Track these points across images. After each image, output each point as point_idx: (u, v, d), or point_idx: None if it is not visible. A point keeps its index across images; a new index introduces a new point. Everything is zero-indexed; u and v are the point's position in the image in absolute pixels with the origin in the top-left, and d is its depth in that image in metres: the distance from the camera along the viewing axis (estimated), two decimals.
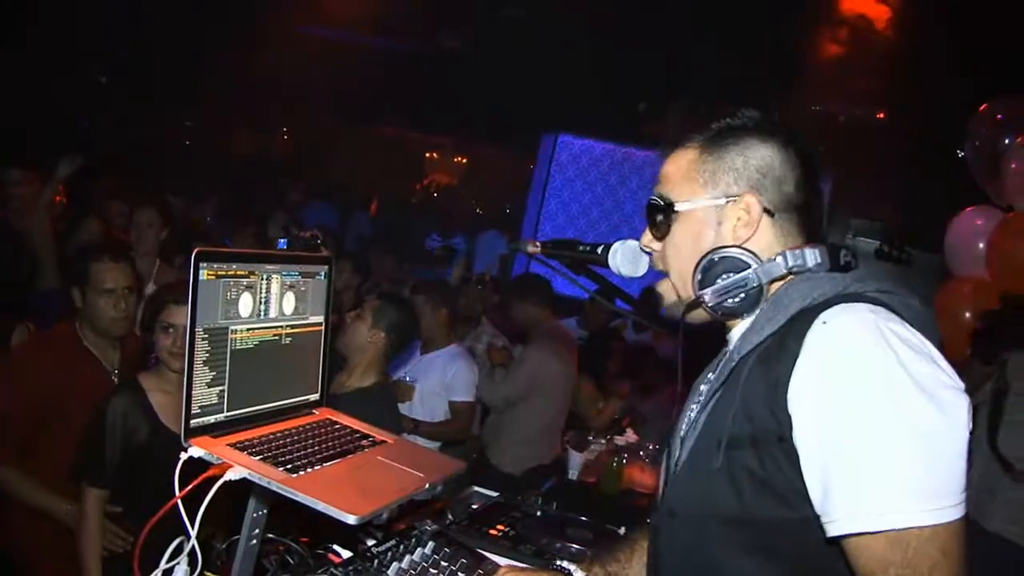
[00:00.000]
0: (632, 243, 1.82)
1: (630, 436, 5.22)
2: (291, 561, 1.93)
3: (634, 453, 4.79)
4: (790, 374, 1.38)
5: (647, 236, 1.74)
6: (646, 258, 1.80)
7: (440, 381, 5.01)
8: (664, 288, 1.72)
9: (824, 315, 1.41)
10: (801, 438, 1.36)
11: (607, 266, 1.84)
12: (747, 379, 1.46)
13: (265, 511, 1.87)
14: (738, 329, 1.63)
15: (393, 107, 13.13)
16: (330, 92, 11.48)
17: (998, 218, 4.96)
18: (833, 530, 1.33)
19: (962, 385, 1.36)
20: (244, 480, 1.64)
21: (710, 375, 1.72)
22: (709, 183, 1.63)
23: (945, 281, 5.46)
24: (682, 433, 1.63)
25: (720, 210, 1.61)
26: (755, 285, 1.54)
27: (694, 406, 1.67)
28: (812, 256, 1.54)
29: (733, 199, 1.60)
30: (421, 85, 11.13)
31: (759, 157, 1.61)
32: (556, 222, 9.92)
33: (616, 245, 1.83)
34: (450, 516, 2.35)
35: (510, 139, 12.19)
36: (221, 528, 2.15)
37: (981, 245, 4.98)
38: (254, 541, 1.88)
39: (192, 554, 1.63)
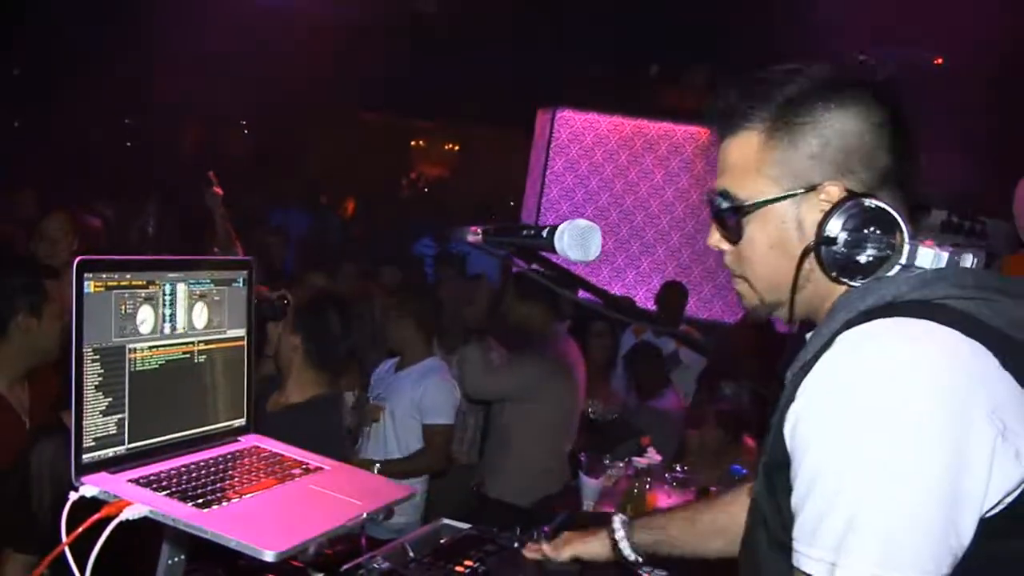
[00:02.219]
0: (582, 223, 1.85)
1: (653, 456, 5.22)
2: None
3: (658, 476, 4.81)
4: (793, 400, 1.45)
5: (715, 235, 1.73)
6: (597, 240, 1.84)
7: (411, 401, 5.04)
8: (743, 290, 1.72)
9: (843, 336, 1.44)
10: (792, 458, 1.44)
11: (554, 251, 1.87)
12: (786, 396, 1.50)
13: (182, 558, 1.90)
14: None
15: (368, 88, 13.19)
16: (294, 74, 11.55)
17: None
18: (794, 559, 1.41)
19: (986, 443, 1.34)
20: (146, 520, 1.68)
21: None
22: (782, 176, 1.59)
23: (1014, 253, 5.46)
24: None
25: (800, 204, 1.58)
26: (887, 254, 1.51)
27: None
28: (969, 261, 1.51)
29: (813, 189, 1.56)
30: (397, 60, 11.19)
31: (841, 134, 1.56)
32: (559, 211, 9.94)
33: (563, 227, 1.85)
34: (411, 553, 2.38)
35: (506, 118, 12.21)
36: None
37: None
38: None
39: None
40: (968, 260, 1.50)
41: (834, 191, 1.54)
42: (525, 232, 1.92)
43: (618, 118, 9.97)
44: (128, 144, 14.43)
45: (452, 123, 16.67)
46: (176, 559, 1.90)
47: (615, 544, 2.29)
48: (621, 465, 5.00)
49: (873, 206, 1.50)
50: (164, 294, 1.91)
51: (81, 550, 1.63)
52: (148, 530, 1.86)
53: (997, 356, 1.38)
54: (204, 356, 2.02)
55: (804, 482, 1.40)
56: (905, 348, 1.38)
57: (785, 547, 1.46)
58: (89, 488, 1.70)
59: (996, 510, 1.35)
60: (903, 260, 1.50)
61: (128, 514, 1.65)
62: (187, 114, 14.90)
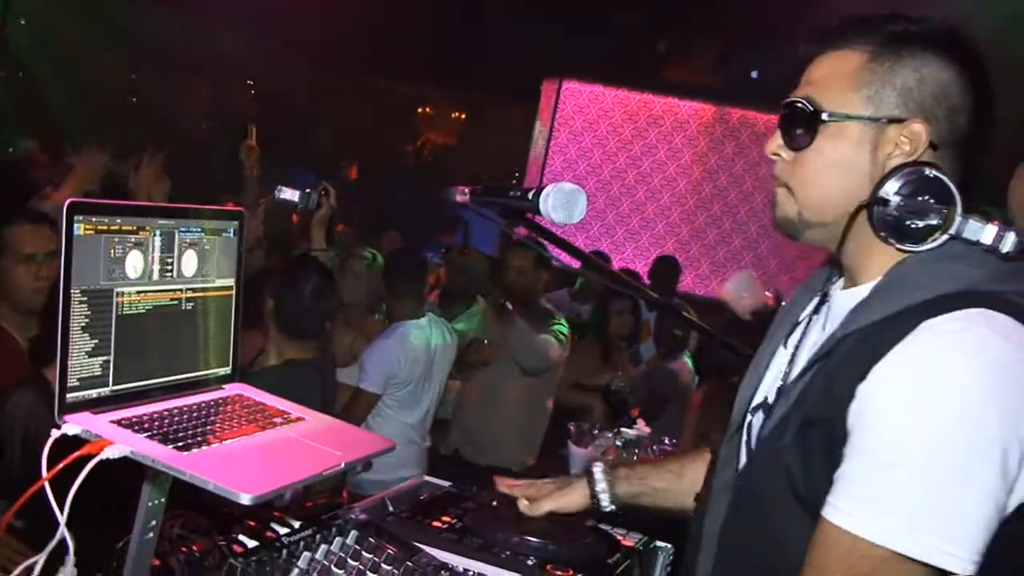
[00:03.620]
0: (567, 186, 1.88)
1: (641, 427, 5.26)
2: (193, 555, 2.00)
3: (646, 448, 4.84)
4: (870, 369, 1.49)
5: (776, 142, 1.75)
6: (582, 203, 1.88)
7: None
8: (782, 198, 1.74)
9: (934, 321, 1.49)
10: (851, 430, 1.51)
11: (539, 212, 1.90)
12: (840, 359, 1.56)
13: (162, 501, 1.93)
14: (847, 297, 1.69)
15: (376, 55, 13.15)
16: (304, 38, 11.52)
17: None
18: (833, 516, 1.49)
19: None
20: (127, 461, 1.71)
21: (792, 341, 1.84)
22: (874, 98, 1.63)
23: None
24: (769, 400, 1.77)
25: (880, 131, 1.62)
26: (940, 223, 1.55)
27: (781, 374, 1.77)
28: (1011, 241, 1.54)
29: (898, 121, 1.61)
30: (405, 28, 11.16)
31: (937, 80, 1.61)
32: (567, 156, 9.96)
33: (548, 189, 1.89)
34: (390, 507, 2.41)
35: (514, 89, 12.19)
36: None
37: None
38: (150, 535, 1.95)
39: (65, 548, 1.68)
40: (1010, 241, 1.54)
41: (918, 129, 1.59)
42: (512, 193, 1.95)
43: (624, 92, 9.97)
44: (134, 99, 14.40)
45: (459, 93, 16.62)
46: (156, 502, 1.92)
47: (594, 495, 2.28)
48: (609, 435, 5.02)
49: (932, 175, 1.55)
50: (154, 240, 1.93)
51: (61, 491, 1.65)
52: (129, 474, 1.90)
53: None
54: (192, 304, 2.04)
55: (872, 457, 1.47)
56: (989, 343, 1.45)
57: (814, 505, 1.54)
58: (71, 427, 1.73)
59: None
60: (952, 231, 1.54)
61: (109, 453, 1.68)
62: (193, 74, 14.88)
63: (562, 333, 5.44)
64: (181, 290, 2.01)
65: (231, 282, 2.15)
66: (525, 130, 11.00)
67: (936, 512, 1.41)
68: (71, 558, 1.71)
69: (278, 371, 4.00)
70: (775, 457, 1.63)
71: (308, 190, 4.25)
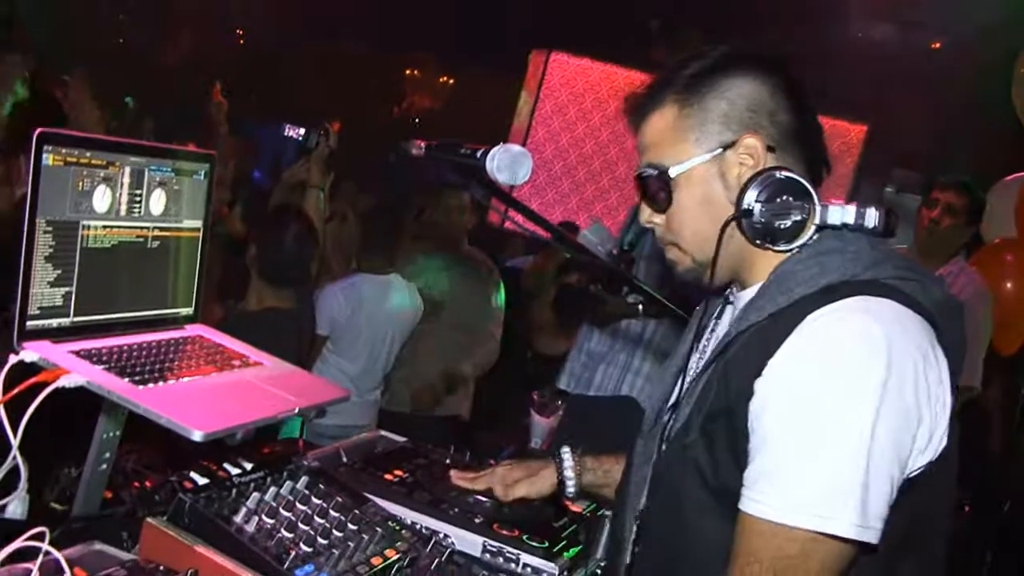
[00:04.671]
0: (515, 148, 1.94)
1: None
2: (145, 490, 2.02)
3: None
4: (765, 364, 1.57)
5: (646, 212, 1.85)
6: (527, 166, 1.97)
7: None
8: (675, 256, 1.84)
9: (818, 312, 1.57)
10: (754, 425, 1.59)
11: (485, 170, 1.94)
12: (735, 355, 1.65)
13: (116, 434, 1.96)
14: (742, 299, 1.80)
15: (361, 18, 13.07)
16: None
17: None
18: (750, 507, 1.56)
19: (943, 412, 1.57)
20: (82, 391, 1.73)
21: (700, 342, 1.93)
22: (700, 138, 1.73)
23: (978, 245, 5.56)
24: (673, 400, 1.85)
25: (720, 160, 1.72)
26: (805, 217, 1.65)
27: (690, 373, 1.84)
28: (873, 217, 1.64)
29: (731, 146, 1.71)
30: None
31: (744, 94, 1.72)
32: (543, 154, 9.95)
33: (495, 149, 1.93)
34: (344, 457, 2.44)
35: (502, 58, 12.16)
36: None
37: None
38: (103, 466, 1.97)
39: (17, 474, 1.69)
40: (871, 216, 1.64)
41: (752, 142, 1.70)
42: (462, 151, 2.00)
43: (611, 67, 9.95)
44: (121, 41, 14.25)
45: (446, 60, 16.54)
46: (110, 435, 1.95)
47: (561, 481, 2.32)
48: None
49: (783, 176, 1.66)
50: (123, 176, 1.94)
51: (16, 420, 1.67)
52: (86, 406, 1.93)
53: (937, 334, 1.59)
54: (158, 243, 2.05)
55: (775, 444, 1.55)
56: (873, 328, 1.53)
57: (723, 493, 1.62)
58: (29, 354, 1.74)
59: (920, 469, 1.57)
60: (816, 221, 1.66)
61: (65, 382, 1.70)
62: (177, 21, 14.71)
63: (439, 288, 5.43)
64: (148, 228, 2.03)
65: (199, 224, 2.16)
66: (511, 100, 11.00)
67: (839, 491, 1.49)
68: (23, 484, 1.73)
69: (255, 317, 4.04)
70: (683, 453, 1.72)
71: (309, 129, 4.46)
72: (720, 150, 1.71)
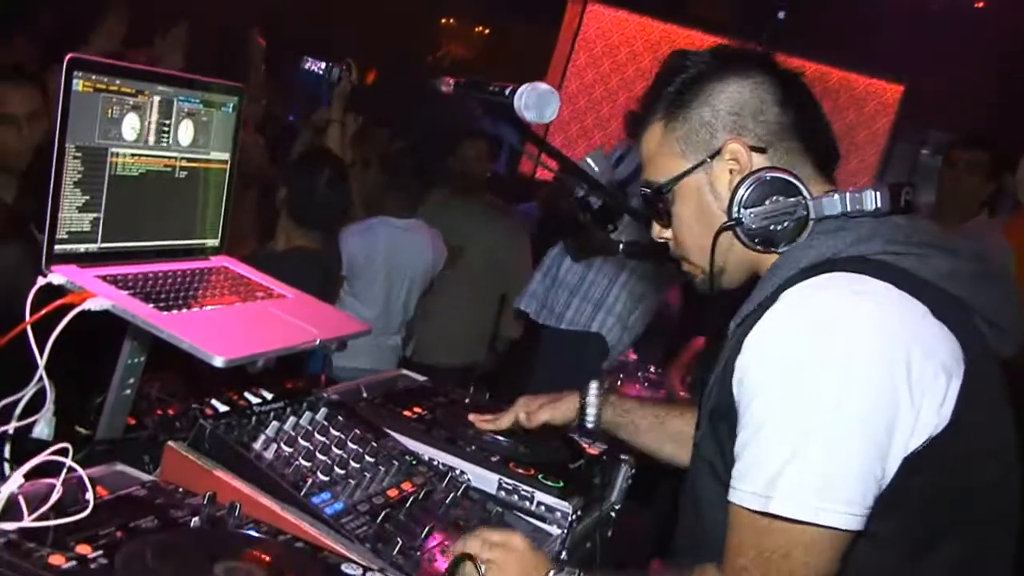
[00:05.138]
0: (542, 86, 1.94)
1: (628, 354, 5.30)
2: (167, 417, 2.06)
3: (632, 373, 4.89)
4: (743, 344, 1.57)
5: (656, 228, 1.88)
6: (554, 105, 1.96)
7: None
8: (689, 269, 1.86)
9: (792, 288, 1.57)
10: (738, 408, 1.59)
11: (513, 109, 1.95)
12: (730, 345, 1.66)
13: (140, 360, 1.99)
14: None
15: None
16: None
17: None
18: (731, 496, 1.56)
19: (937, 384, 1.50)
20: (107, 315, 1.75)
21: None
22: (687, 150, 1.74)
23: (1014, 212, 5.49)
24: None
25: (708, 170, 1.72)
26: (802, 215, 1.64)
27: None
28: (871, 199, 1.62)
29: (716, 154, 1.71)
30: None
31: (725, 99, 1.71)
32: (576, 105, 9.89)
33: (524, 87, 1.94)
34: (364, 393, 2.47)
35: (537, 7, 12.06)
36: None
37: None
38: (127, 391, 2.00)
39: (43, 395, 1.72)
40: (868, 199, 1.63)
41: (735, 147, 1.68)
42: (491, 88, 2.01)
43: (648, 20, 9.85)
44: None
45: (482, 9, 16.42)
46: (135, 360, 1.98)
47: (583, 408, 2.32)
48: None
49: (769, 177, 1.65)
50: (152, 105, 1.96)
51: (43, 343, 1.69)
52: (112, 337, 1.95)
53: (928, 306, 1.54)
54: (185, 173, 2.07)
55: (750, 426, 1.55)
56: (844, 301, 1.52)
57: (727, 486, 1.60)
58: (57, 276, 1.77)
59: (918, 448, 1.50)
60: (813, 215, 1.64)
61: (90, 305, 1.72)
62: None
63: (465, 237, 5.44)
64: (176, 158, 2.04)
65: (226, 156, 2.18)
66: (545, 51, 10.91)
67: (812, 473, 1.47)
68: (49, 405, 1.76)
69: (282, 256, 4.07)
70: (696, 450, 1.77)
71: (331, 63, 4.60)
72: (706, 160, 1.72)
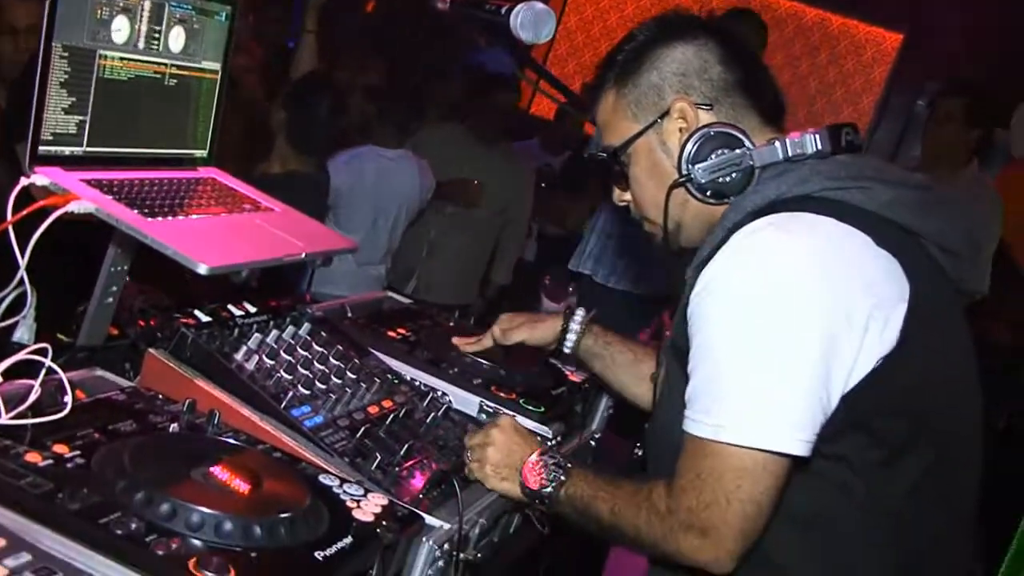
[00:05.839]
0: (539, 5, 1.94)
1: None
2: (150, 327, 2.04)
3: None
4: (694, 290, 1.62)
5: (616, 193, 1.94)
6: (550, 24, 2.02)
7: None
8: (649, 228, 1.89)
9: (738, 233, 1.61)
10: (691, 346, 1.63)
11: (509, 27, 1.94)
12: (687, 290, 1.68)
13: (124, 268, 1.97)
14: None
15: None
16: None
17: None
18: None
19: (872, 315, 1.52)
20: (91, 218, 1.73)
21: None
22: (638, 113, 1.79)
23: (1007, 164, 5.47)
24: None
25: (658, 131, 1.78)
26: (748, 164, 1.69)
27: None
28: (811, 142, 1.68)
29: (665, 113, 1.76)
30: None
31: (670, 61, 1.76)
32: (573, 41, 9.80)
33: (520, 6, 1.92)
34: (349, 312, 2.46)
35: None
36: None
37: None
38: (110, 299, 1.99)
39: (24, 298, 1.70)
40: (808, 143, 1.68)
41: (681, 105, 1.74)
42: (488, 7, 1.99)
43: None
44: None
45: None
46: (119, 268, 1.96)
47: (564, 330, 2.29)
48: None
49: (713, 132, 1.70)
50: (143, 8, 1.91)
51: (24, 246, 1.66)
52: (96, 247, 1.93)
53: (871, 236, 1.58)
54: (175, 80, 2.03)
55: (694, 357, 1.60)
56: (784, 237, 1.56)
57: None
58: (40, 178, 1.74)
59: (867, 373, 1.53)
60: (758, 164, 1.69)
61: (74, 207, 1.69)
62: None
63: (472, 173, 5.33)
64: (166, 65, 2.00)
65: (218, 66, 2.14)
66: None
67: (744, 398, 1.51)
68: (30, 309, 1.75)
69: (278, 179, 4.04)
70: (669, 392, 1.76)
71: None
72: (656, 120, 1.76)
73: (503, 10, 1.96)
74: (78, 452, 1.43)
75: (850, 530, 1.59)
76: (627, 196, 1.90)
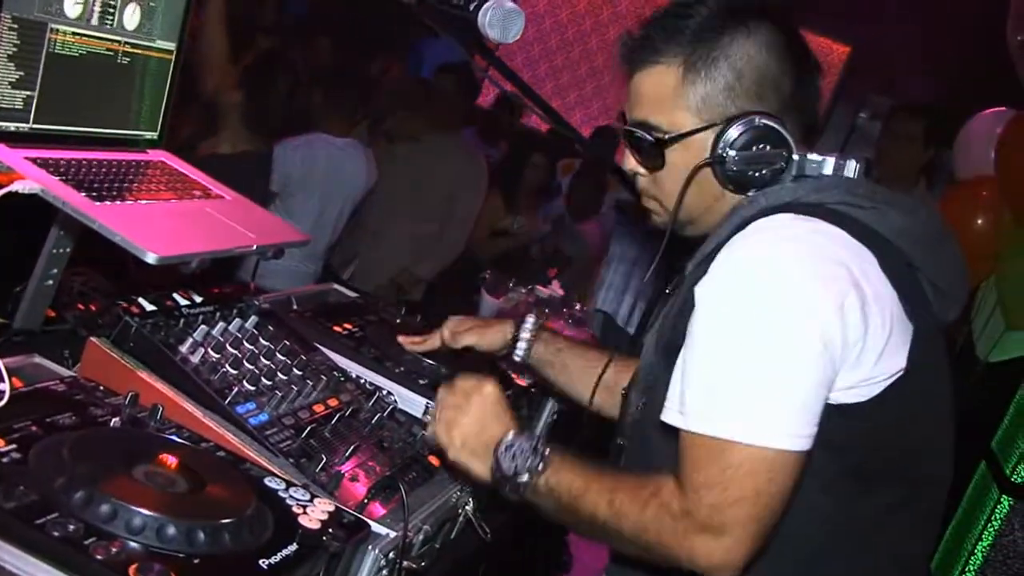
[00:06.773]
0: (508, 4, 1.90)
1: (555, 289, 5.27)
2: (89, 311, 1.98)
3: (557, 309, 4.86)
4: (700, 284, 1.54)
5: (631, 161, 1.77)
6: (519, 24, 1.93)
7: None
8: (654, 207, 1.80)
9: (747, 228, 1.55)
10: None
11: (476, 26, 1.90)
12: (686, 287, 1.61)
13: (66, 251, 1.90)
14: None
15: None
16: None
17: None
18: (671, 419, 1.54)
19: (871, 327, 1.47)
20: (36, 199, 1.66)
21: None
22: (703, 108, 1.66)
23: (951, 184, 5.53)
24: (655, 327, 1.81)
25: (718, 130, 1.64)
26: (781, 165, 1.62)
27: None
28: (852, 168, 1.62)
29: (733, 119, 1.63)
30: None
31: (752, 65, 1.63)
32: (547, 44, 9.81)
33: (488, 3, 1.88)
34: (295, 304, 2.41)
35: None
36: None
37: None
38: (50, 281, 1.92)
39: None
40: (851, 167, 1.63)
41: (751, 116, 1.62)
42: (455, 2, 1.94)
43: None
44: None
45: None
46: (61, 251, 1.90)
47: (515, 340, 2.25)
48: (523, 291, 5.03)
49: (762, 124, 1.61)
50: None
51: None
52: (38, 219, 1.87)
53: (877, 258, 1.53)
54: (128, 59, 1.97)
55: (693, 352, 1.52)
56: (789, 238, 1.52)
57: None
58: None
59: (850, 392, 1.51)
60: (793, 172, 1.63)
61: (19, 187, 1.63)
62: None
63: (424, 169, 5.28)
64: (119, 42, 1.94)
65: (172, 46, 2.08)
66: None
67: (742, 391, 1.46)
68: None
69: (230, 160, 3.95)
70: (648, 390, 1.71)
71: None
72: (721, 124, 1.64)
73: (471, 6, 1.91)
74: (14, 446, 1.37)
75: (814, 547, 1.57)
76: (643, 171, 1.76)
